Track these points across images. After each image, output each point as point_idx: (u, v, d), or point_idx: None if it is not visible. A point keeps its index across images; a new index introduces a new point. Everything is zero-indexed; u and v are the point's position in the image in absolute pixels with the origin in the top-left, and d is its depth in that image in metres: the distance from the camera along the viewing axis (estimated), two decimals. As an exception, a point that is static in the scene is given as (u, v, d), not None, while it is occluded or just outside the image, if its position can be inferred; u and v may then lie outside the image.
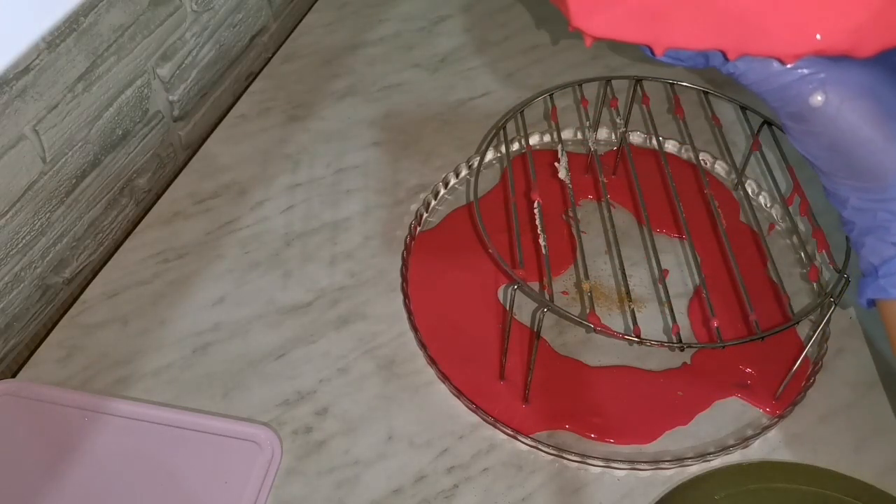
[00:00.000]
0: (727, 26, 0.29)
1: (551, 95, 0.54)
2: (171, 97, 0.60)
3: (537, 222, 0.45)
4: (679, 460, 0.44)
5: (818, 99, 0.32)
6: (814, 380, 0.47)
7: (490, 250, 0.47)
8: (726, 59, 0.31)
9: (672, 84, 0.55)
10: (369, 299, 0.52)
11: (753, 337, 0.42)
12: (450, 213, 0.57)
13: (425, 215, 0.56)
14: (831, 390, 0.48)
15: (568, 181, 0.49)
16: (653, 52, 0.31)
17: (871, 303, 0.35)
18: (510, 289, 0.43)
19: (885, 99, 0.32)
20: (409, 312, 0.51)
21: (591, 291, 0.46)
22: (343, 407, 0.47)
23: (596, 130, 0.61)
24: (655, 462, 0.44)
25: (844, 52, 0.30)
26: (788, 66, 0.31)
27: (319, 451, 0.45)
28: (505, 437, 0.46)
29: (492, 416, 0.46)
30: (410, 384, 0.48)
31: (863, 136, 0.32)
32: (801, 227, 0.55)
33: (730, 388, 0.47)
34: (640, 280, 0.53)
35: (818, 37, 0.28)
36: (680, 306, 0.51)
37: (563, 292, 0.52)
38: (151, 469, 0.43)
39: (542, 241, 0.44)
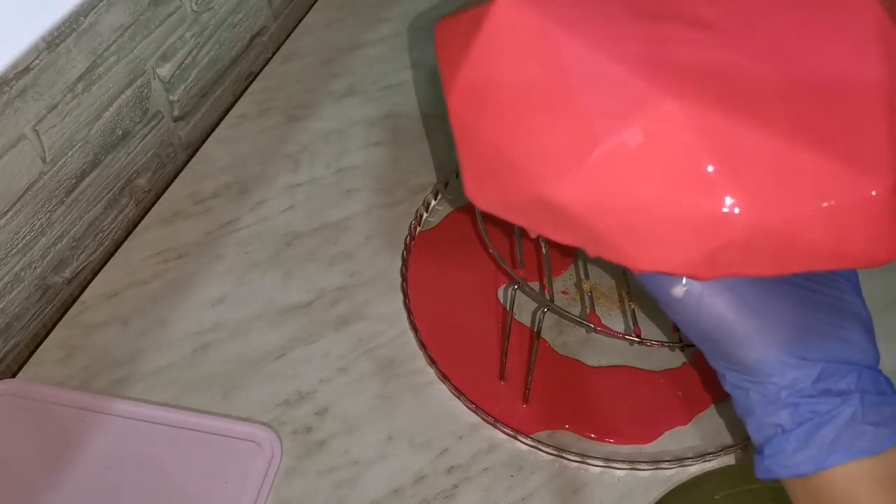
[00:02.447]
0: (582, 234, 0.31)
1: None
2: (171, 97, 0.60)
3: (537, 222, 0.45)
4: (679, 460, 0.44)
5: (680, 291, 0.34)
6: (814, 380, 0.47)
7: (490, 250, 0.47)
8: None
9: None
10: (369, 299, 0.52)
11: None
12: (450, 213, 0.57)
13: (425, 215, 0.56)
14: (831, 390, 0.48)
15: (568, 181, 0.49)
16: None
17: (772, 479, 0.35)
18: (510, 289, 0.43)
19: (744, 295, 0.33)
20: (409, 312, 0.51)
21: (591, 291, 0.46)
22: (343, 407, 0.47)
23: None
24: (655, 462, 0.44)
25: (685, 275, 0.31)
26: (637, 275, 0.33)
27: (319, 451, 0.45)
28: (505, 437, 0.46)
29: (492, 416, 0.46)
30: (410, 384, 0.48)
31: (724, 328, 0.34)
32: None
33: (730, 388, 0.47)
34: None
35: (654, 265, 0.30)
36: (680, 306, 0.51)
37: (564, 292, 0.52)
38: (151, 469, 0.43)
39: (542, 241, 0.44)
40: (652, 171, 0.29)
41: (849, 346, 0.34)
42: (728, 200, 0.28)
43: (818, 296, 0.35)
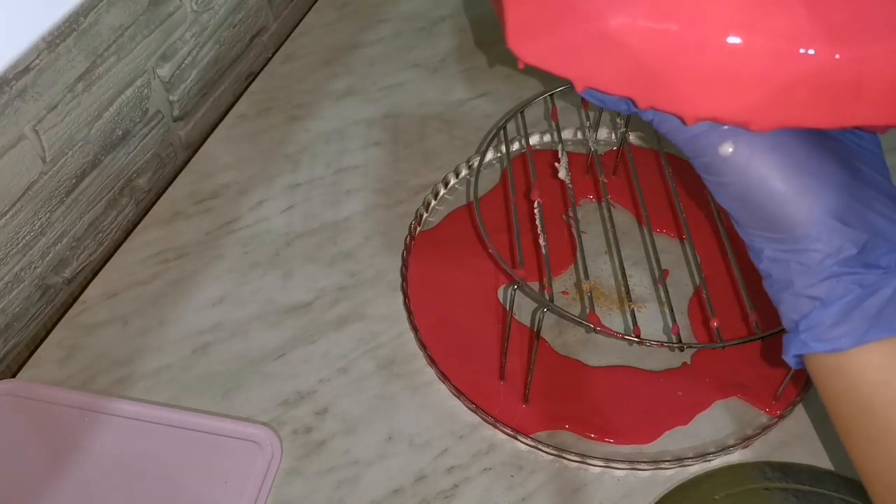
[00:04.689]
0: (636, 78, 0.30)
1: (551, 95, 0.54)
2: (171, 97, 0.60)
3: (537, 222, 0.45)
4: (679, 460, 0.44)
5: (727, 149, 0.32)
6: (814, 380, 0.47)
7: (490, 250, 0.47)
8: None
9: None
10: (369, 299, 0.52)
11: (753, 337, 0.42)
12: (450, 213, 0.57)
13: (425, 215, 0.56)
14: (831, 390, 0.48)
15: (568, 181, 0.49)
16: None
17: (799, 361, 0.35)
18: (510, 289, 0.43)
19: (794, 152, 0.32)
20: (409, 312, 0.51)
21: (591, 291, 0.46)
22: (343, 407, 0.47)
23: (596, 130, 0.61)
24: (655, 462, 0.44)
25: (740, 124, 0.31)
26: (688, 126, 0.32)
27: (319, 451, 0.45)
28: (505, 437, 0.46)
29: (492, 416, 0.46)
30: (410, 384, 0.48)
31: (772, 188, 0.32)
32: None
33: (730, 388, 0.47)
34: (640, 280, 0.53)
35: (714, 107, 0.29)
36: (680, 306, 0.51)
37: (563, 292, 0.52)
38: (151, 469, 0.43)
39: (542, 241, 0.44)
40: (722, 0, 0.27)
41: (889, 222, 0.33)
42: (801, 33, 0.27)
43: (857, 168, 0.33)
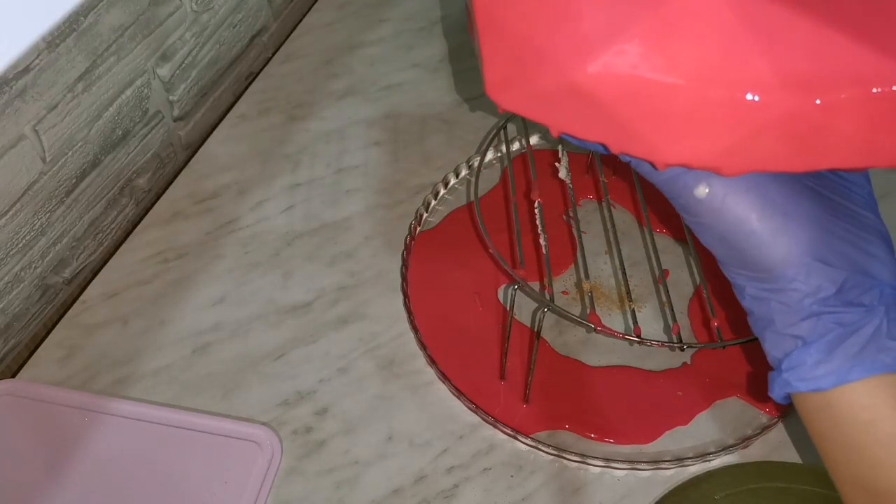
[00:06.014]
0: (606, 126, 0.31)
1: (551, 95, 0.54)
2: (171, 97, 0.60)
3: (538, 222, 0.45)
4: (679, 460, 0.44)
5: (703, 191, 0.33)
6: (814, 380, 0.47)
7: (490, 250, 0.47)
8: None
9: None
10: (369, 299, 0.52)
11: (753, 337, 0.42)
12: (450, 213, 0.57)
13: (425, 215, 0.56)
14: (831, 390, 0.48)
15: (568, 181, 0.49)
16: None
17: (786, 397, 0.35)
18: (510, 289, 0.43)
19: (769, 193, 0.32)
20: (409, 312, 0.51)
21: (591, 291, 0.46)
22: (343, 407, 0.47)
23: (596, 130, 0.60)
24: (655, 462, 0.44)
25: (711, 169, 0.31)
26: (660, 171, 0.32)
27: (319, 451, 0.45)
28: (505, 437, 0.46)
29: (492, 416, 0.46)
30: (410, 384, 0.48)
31: (748, 228, 0.32)
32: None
33: (730, 388, 0.47)
34: (640, 280, 0.53)
35: (683, 154, 0.30)
36: (680, 306, 0.51)
37: (564, 292, 0.52)
38: (151, 469, 0.43)
39: (542, 241, 0.44)
40: (686, 51, 0.28)
41: (871, 258, 0.33)
42: (764, 82, 0.27)
43: (839, 206, 0.33)
